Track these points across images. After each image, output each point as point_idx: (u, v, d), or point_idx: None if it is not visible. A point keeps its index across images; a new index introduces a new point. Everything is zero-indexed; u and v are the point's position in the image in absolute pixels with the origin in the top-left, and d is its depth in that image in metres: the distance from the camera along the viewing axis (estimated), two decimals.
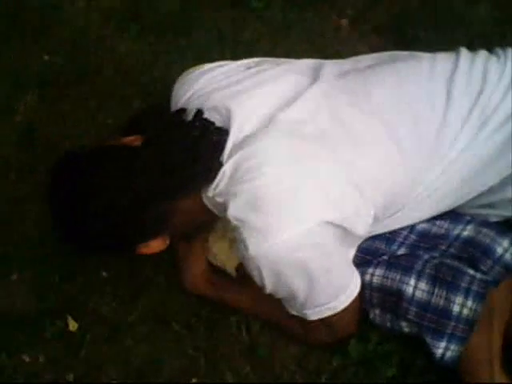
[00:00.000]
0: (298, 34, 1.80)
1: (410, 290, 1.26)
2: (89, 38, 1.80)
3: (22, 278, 1.48)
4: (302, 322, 1.28)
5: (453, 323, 1.23)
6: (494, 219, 1.34)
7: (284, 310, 1.29)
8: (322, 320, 1.26)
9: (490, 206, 1.33)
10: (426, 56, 1.32)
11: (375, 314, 1.32)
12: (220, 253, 1.44)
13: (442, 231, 1.34)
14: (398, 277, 1.27)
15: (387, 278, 1.28)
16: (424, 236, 1.35)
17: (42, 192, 1.51)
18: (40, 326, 1.42)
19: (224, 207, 1.17)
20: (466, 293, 1.23)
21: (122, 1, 1.87)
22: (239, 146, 1.18)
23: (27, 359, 1.40)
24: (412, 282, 1.26)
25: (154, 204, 1.17)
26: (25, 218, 1.54)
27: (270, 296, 1.26)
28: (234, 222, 1.16)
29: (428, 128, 1.23)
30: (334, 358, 1.35)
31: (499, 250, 1.28)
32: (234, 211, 1.15)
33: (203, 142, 1.18)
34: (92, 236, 1.18)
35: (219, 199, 1.19)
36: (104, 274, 1.48)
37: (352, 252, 1.30)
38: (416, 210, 1.30)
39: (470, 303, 1.22)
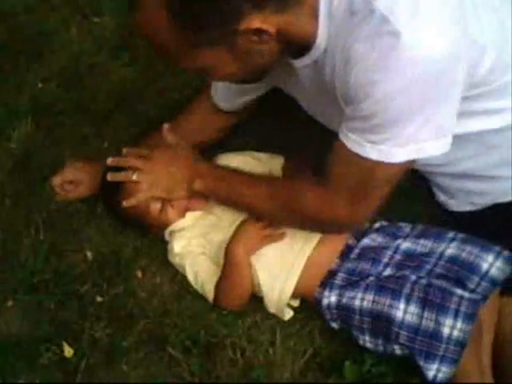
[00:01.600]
0: None
1: (399, 314, 1.27)
2: (82, 66, 1.82)
3: (17, 305, 1.49)
4: (324, 193, 1.23)
5: (444, 345, 1.24)
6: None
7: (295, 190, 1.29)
8: (379, 166, 1.14)
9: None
10: None
11: (365, 340, 1.33)
12: None
13: (427, 250, 1.37)
14: (387, 301, 1.29)
15: (377, 302, 1.30)
16: (409, 255, 1.37)
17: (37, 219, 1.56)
18: (36, 352, 1.42)
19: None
20: (455, 314, 1.24)
21: (113, 29, 1.89)
22: None
23: None
24: (401, 306, 1.27)
25: None
26: (20, 244, 1.54)
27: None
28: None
29: None
30: (329, 379, 1.35)
31: (485, 266, 1.30)
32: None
33: None
34: None
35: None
36: (99, 299, 1.49)
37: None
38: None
39: (459, 324, 1.24)
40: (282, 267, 1.40)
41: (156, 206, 1.48)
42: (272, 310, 1.43)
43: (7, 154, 1.68)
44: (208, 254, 1.47)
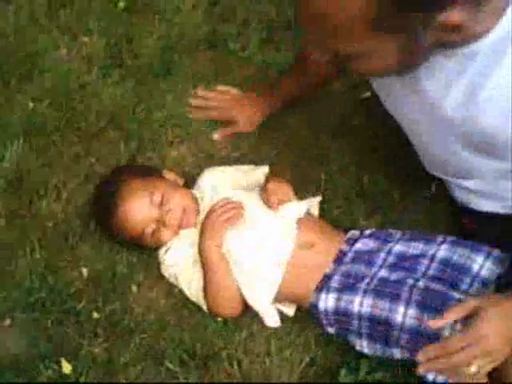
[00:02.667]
0: (277, 73, 1.85)
1: (399, 318, 1.30)
2: (72, 85, 1.83)
3: (14, 323, 1.49)
4: None
5: None
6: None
7: None
8: None
9: None
10: None
11: (362, 345, 1.36)
12: None
13: (418, 252, 1.40)
14: (386, 305, 1.31)
15: (376, 307, 1.32)
16: (401, 257, 1.40)
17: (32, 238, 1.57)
18: (35, 369, 1.42)
19: None
20: None
21: (103, 47, 1.90)
22: None
23: None
24: (401, 310, 1.30)
25: None
26: (16, 264, 1.55)
27: None
28: None
29: None
30: None
31: (475, 267, 1.34)
32: None
33: None
34: None
35: None
36: (95, 315, 1.50)
37: None
38: None
39: (458, 326, 1.26)
40: (261, 270, 1.43)
41: (149, 229, 1.50)
42: (256, 308, 1.45)
43: (0, 174, 1.68)
44: (200, 264, 1.48)
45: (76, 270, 1.55)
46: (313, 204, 1.57)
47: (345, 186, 1.67)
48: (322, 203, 1.61)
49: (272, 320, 1.45)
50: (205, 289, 1.46)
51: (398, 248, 1.42)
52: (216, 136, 1.76)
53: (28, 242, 1.58)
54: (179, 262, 1.50)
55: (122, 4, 1.99)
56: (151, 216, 1.50)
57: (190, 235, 1.52)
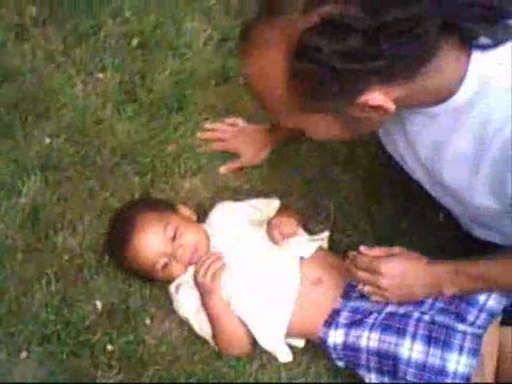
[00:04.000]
0: None
1: (406, 352, 1.30)
2: (88, 120, 1.87)
3: (31, 356, 1.52)
4: None
5: (449, 380, 1.28)
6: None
7: None
8: None
9: None
10: None
11: (371, 378, 1.36)
12: None
13: None
14: (393, 340, 1.32)
15: (383, 341, 1.33)
16: None
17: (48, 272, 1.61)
18: None
19: None
20: (460, 350, 1.28)
21: (118, 83, 1.95)
22: None
23: None
24: (407, 344, 1.31)
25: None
26: (33, 298, 1.58)
27: None
28: None
29: None
30: None
31: (482, 298, 1.33)
32: None
33: None
34: None
35: None
36: (109, 347, 1.52)
37: None
38: None
39: (464, 359, 1.27)
40: (269, 309, 1.44)
41: (161, 262, 1.51)
42: (268, 348, 1.46)
43: (17, 209, 1.72)
44: None
45: (90, 303, 1.59)
46: (322, 238, 1.58)
47: (354, 215, 1.69)
48: (331, 232, 1.63)
49: (284, 356, 1.47)
50: (214, 336, 1.48)
51: None
52: (222, 170, 1.79)
53: (44, 275, 1.61)
54: (190, 304, 1.51)
55: (135, 41, 2.03)
56: (163, 250, 1.51)
57: None
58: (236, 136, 1.83)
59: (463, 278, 1.29)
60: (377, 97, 0.99)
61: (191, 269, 1.52)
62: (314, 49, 0.93)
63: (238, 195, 1.74)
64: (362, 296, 1.41)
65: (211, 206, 1.69)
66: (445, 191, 1.27)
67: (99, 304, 1.58)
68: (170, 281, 1.55)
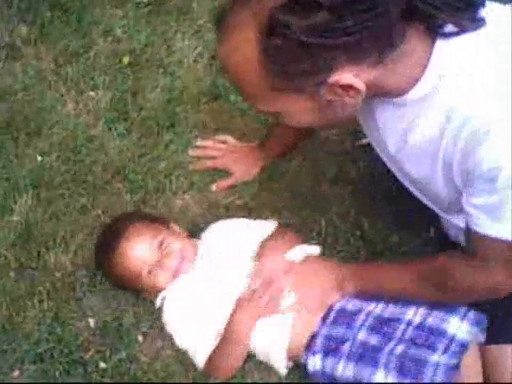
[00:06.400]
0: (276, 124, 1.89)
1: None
2: (79, 138, 1.88)
3: (23, 374, 1.52)
4: (477, 265, 1.22)
5: None
6: None
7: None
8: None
9: None
10: None
11: None
12: None
13: (395, 316, 1.40)
14: (367, 371, 1.33)
15: (358, 373, 1.34)
16: (379, 320, 1.40)
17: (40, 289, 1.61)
18: None
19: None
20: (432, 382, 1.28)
21: (109, 101, 1.96)
22: None
23: None
24: (381, 375, 1.31)
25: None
26: (25, 316, 1.58)
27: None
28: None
29: None
30: None
31: (451, 330, 1.33)
32: None
33: None
34: None
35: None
36: (102, 365, 1.52)
37: None
38: None
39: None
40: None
41: (146, 270, 1.53)
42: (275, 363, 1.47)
43: (10, 227, 1.72)
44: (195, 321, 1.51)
45: (83, 321, 1.59)
46: (313, 253, 1.59)
47: (345, 232, 1.70)
48: (322, 247, 1.63)
49: (284, 365, 1.47)
50: (214, 355, 1.48)
51: (376, 312, 1.41)
52: (214, 187, 1.80)
53: (37, 293, 1.61)
54: (174, 316, 1.53)
55: (126, 59, 2.05)
56: (150, 256, 1.54)
57: (185, 283, 1.55)
58: (227, 153, 1.84)
59: (360, 279, 1.43)
60: (347, 76, 1.02)
61: (176, 281, 1.54)
62: (283, 25, 0.97)
63: (229, 212, 1.75)
64: (335, 321, 1.43)
65: (204, 223, 1.70)
66: (413, 184, 1.31)
67: (92, 321, 1.58)
68: (156, 292, 1.56)
